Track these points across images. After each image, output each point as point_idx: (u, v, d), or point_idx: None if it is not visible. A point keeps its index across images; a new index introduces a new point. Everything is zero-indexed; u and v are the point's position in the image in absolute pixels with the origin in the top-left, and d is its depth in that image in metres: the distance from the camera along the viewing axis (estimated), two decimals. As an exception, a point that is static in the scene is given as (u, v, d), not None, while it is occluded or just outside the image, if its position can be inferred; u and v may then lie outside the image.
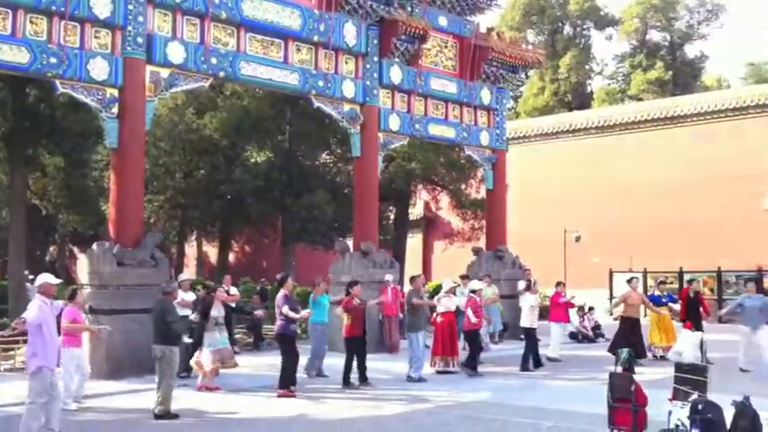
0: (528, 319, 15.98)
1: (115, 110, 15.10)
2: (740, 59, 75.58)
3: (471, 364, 14.77)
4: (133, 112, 15.24)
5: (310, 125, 24.66)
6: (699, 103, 34.50)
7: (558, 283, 17.70)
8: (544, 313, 18.48)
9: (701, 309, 16.83)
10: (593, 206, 34.43)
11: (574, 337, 21.08)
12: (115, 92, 15.11)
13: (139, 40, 15.29)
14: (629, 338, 15.74)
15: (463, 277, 18.85)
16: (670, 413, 8.58)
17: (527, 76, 50.57)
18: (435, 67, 21.32)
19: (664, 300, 17.67)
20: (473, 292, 15.52)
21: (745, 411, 8.07)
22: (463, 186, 29.32)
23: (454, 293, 15.64)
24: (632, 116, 36.05)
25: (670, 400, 9.77)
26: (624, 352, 8.61)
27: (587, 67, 54.35)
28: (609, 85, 55.45)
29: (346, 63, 19.14)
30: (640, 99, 45.90)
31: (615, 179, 34.53)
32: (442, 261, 33.07)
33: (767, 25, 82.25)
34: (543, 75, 51.25)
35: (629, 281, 17.40)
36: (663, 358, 16.21)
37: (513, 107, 53.33)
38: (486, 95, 22.53)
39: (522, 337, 19.01)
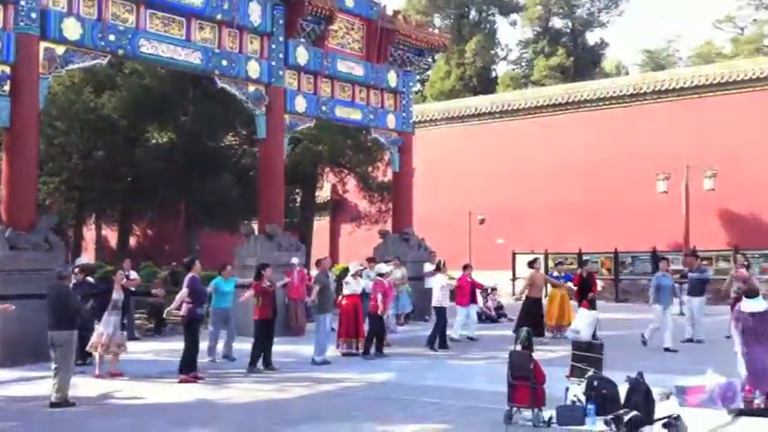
0: (438, 299, 16.19)
1: (7, 87, 14.50)
2: (638, 47, 78.23)
3: (379, 347, 14.85)
4: (26, 90, 14.66)
5: (214, 106, 24.17)
6: (598, 89, 35.54)
7: (466, 266, 17.96)
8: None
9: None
10: (497, 189, 35.08)
11: (477, 317, 21.41)
12: (7, 69, 14.50)
13: (33, 15, 14.67)
14: (534, 317, 16.20)
15: (369, 260, 18.91)
16: (567, 389, 8.83)
17: (433, 60, 51.00)
18: (342, 49, 21.21)
19: (561, 280, 18.19)
20: (380, 275, 15.59)
21: (638, 387, 8.37)
22: (370, 169, 29.39)
23: (361, 276, 15.67)
24: (535, 101, 36.84)
25: (567, 377, 10.10)
26: (523, 330, 8.79)
27: (492, 52, 55.16)
28: (513, 70, 56.52)
29: (251, 43, 18.84)
30: (543, 84, 46.95)
31: (519, 163, 35.25)
32: (350, 244, 33.16)
33: (664, 13, 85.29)
34: (449, 59, 51.73)
35: (531, 263, 17.82)
36: (554, 337, 16.81)
37: (419, 91, 53.68)
38: (392, 78, 22.57)
39: (428, 318, 19.36)
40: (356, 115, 21.78)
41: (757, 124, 30.49)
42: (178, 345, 12.88)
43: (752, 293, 9.43)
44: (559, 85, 40.41)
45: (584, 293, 17.00)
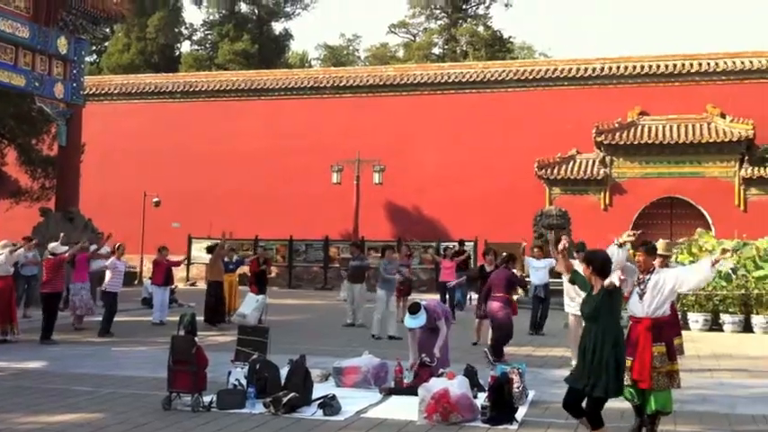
0: (111, 284, 15.48)
1: None
2: (320, 42, 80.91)
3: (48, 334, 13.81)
4: None
5: None
6: (281, 79, 36.17)
7: (161, 248, 17.42)
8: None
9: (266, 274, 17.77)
10: (175, 171, 34.29)
11: (147, 302, 20.70)
12: None
13: None
14: (217, 302, 16.22)
15: (26, 239, 17.40)
16: (230, 373, 8.80)
17: (112, 31, 48.57)
18: (5, 7, 19.21)
19: (231, 266, 18.19)
20: (53, 254, 14.53)
21: (297, 369, 8.58)
22: (34, 141, 27.02)
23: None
24: (218, 85, 36.56)
25: (232, 361, 10.07)
26: (187, 314, 8.57)
27: (176, 30, 53.73)
28: (197, 51, 55.59)
29: None
30: (227, 68, 46.70)
31: (199, 145, 34.74)
32: (6, 222, 30.29)
33: (346, 12, 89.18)
34: (130, 32, 49.42)
35: (210, 248, 17.74)
36: (229, 322, 16.84)
37: (96, 61, 50.78)
38: (63, 45, 20.96)
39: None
40: (19, 81, 19.88)
41: (422, 125, 33.04)
42: None
43: (414, 309, 9.73)
44: (243, 71, 40.50)
45: (258, 279, 17.27)
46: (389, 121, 33.27)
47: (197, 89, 36.59)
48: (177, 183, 33.78)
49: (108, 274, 15.66)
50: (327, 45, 62.21)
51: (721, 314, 17.54)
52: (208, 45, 55.65)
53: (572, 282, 7.22)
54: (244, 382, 8.47)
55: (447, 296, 18.99)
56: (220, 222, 31.17)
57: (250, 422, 7.73)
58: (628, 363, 7.01)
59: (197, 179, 34.19)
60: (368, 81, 34.99)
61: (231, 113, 35.21)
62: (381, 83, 34.77)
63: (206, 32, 56.09)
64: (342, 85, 35.13)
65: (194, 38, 56.92)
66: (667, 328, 7.51)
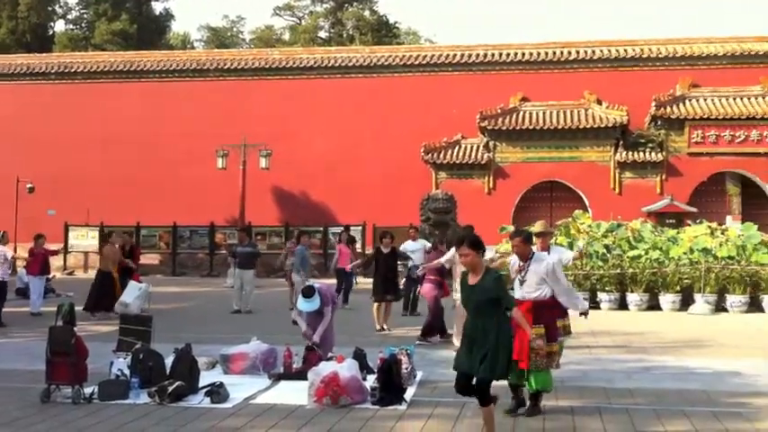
0: (2, 273, 14.89)
1: None
2: (203, 23, 79.14)
3: None
4: None
5: None
6: (162, 61, 35.17)
7: (38, 236, 16.73)
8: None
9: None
10: (50, 156, 32.89)
11: (21, 293, 19.77)
12: None
13: None
14: (105, 291, 15.80)
15: None
16: (112, 363, 8.52)
17: (-20, 9, 45.99)
18: None
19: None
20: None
21: (183, 357, 8.40)
22: None
23: None
24: (95, 66, 35.22)
25: (114, 351, 9.75)
26: (66, 304, 8.22)
27: (50, 8, 51.43)
28: (72, 30, 53.39)
29: None
30: (104, 49, 45.06)
31: (75, 129, 33.45)
32: None
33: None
34: (0, 10, 46.97)
35: (108, 235, 17.25)
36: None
37: (-37, 41, 48.00)
38: (-76, 21, 19.69)
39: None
40: None
41: (309, 109, 32.84)
42: None
43: (308, 292, 9.54)
44: (121, 52, 39.19)
45: (128, 266, 17.00)
46: (275, 105, 32.91)
47: (72, 70, 35.12)
48: (52, 168, 32.41)
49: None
50: (210, 26, 61.05)
51: (598, 292, 18.28)
52: (83, 24, 53.54)
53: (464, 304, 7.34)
54: (127, 372, 8.21)
55: (344, 282, 18.84)
56: (99, 209, 30.25)
57: (134, 412, 7.50)
58: (512, 343, 7.18)
59: (74, 164, 32.89)
60: (253, 64, 34.49)
61: (109, 96, 33.98)
62: (267, 66, 34.33)
63: (81, 11, 53.99)
64: (226, 67, 34.49)
65: (69, 17, 54.75)
66: (547, 310, 7.73)
